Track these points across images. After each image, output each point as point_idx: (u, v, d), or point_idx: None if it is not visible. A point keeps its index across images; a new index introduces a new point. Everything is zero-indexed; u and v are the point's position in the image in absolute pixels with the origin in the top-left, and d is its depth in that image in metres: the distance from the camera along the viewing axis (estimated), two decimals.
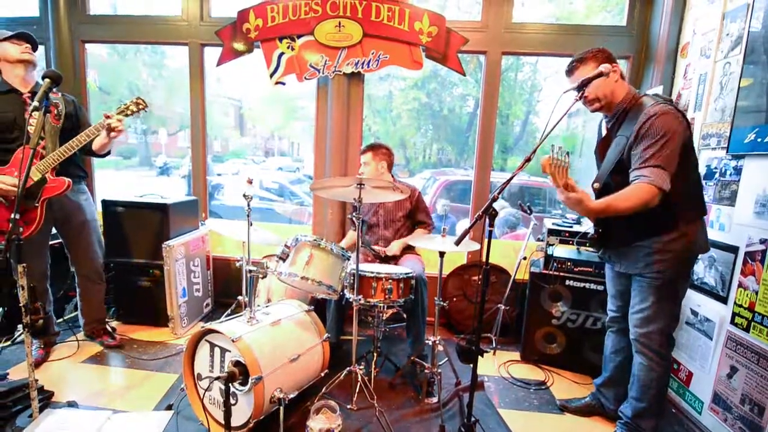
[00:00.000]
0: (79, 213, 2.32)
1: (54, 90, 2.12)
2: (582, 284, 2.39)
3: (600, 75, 1.58)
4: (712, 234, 1.96)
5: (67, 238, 2.37)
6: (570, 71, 1.72)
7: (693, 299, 2.07)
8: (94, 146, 2.15)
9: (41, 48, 3.15)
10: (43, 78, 1.78)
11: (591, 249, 2.41)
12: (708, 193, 2.01)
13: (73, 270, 2.82)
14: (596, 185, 1.73)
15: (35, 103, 1.66)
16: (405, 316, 2.40)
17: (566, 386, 2.34)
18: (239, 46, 2.87)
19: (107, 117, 2.06)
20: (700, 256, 1.96)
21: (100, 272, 2.50)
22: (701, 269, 2.03)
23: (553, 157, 1.47)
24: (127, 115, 2.11)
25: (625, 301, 1.83)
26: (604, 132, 1.79)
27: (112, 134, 2.09)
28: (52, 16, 3.01)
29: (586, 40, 2.80)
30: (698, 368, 2.02)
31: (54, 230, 2.35)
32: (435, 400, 2.09)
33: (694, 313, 2.06)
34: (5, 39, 2.04)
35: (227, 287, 3.25)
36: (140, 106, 2.13)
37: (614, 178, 1.65)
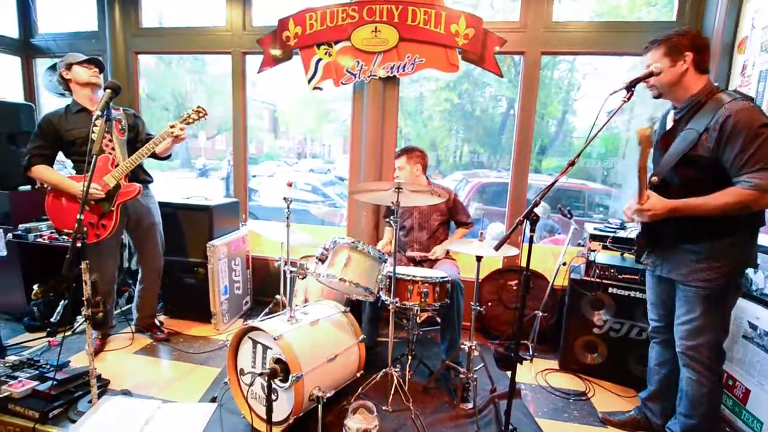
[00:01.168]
0: (149, 216, 2.51)
1: (116, 106, 2.36)
2: (627, 292, 2.29)
3: (651, 75, 1.52)
4: None
5: (136, 240, 2.56)
6: (644, 52, 1.62)
7: (751, 311, 1.94)
8: (157, 150, 2.31)
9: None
10: (104, 89, 1.92)
11: (632, 254, 2.30)
12: None
13: (127, 267, 3.03)
14: (655, 179, 1.61)
15: (98, 112, 1.80)
16: (439, 320, 2.39)
17: (608, 398, 2.25)
18: (279, 53, 2.96)
19: (172, 126, 2.23)
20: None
21: (161, 271, 2.68)
22: (761, 279, 1.90)
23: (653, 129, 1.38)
24: (188, 123, 2.27)
25: (668, 310, 1.74)
26: (670, 124, 1.67)
27: (176, 141, 2.28)
28: (108, 30, 3.24)
29: (633, 36, 2.69)
30: (757, 386, 1.88)
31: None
32: (470, 405, 2.07)
33: (753, 327, 1.93)
34: (77, 63, 2.23)
35: (265, 286, 3.36)
36: (200, 114, 2.29)
37: (679, 172, 1.54)
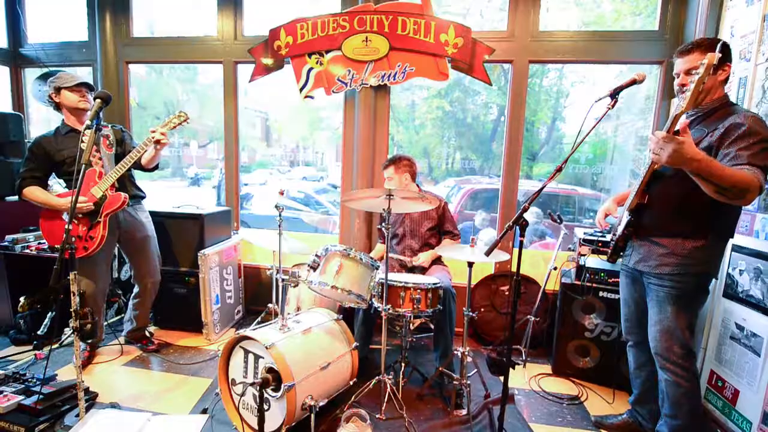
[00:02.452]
0: (142, 229, 2.49)
1: (104, 123, 2.36)
2: (616, 296, 2.31)
3: (634, 83, 1.56)
4: (758, 244, 1.88)
5: (130, 254, 2.53)
6: (685, 52, 1.60)
7: (738, 313, 1.97)
8: (143, 161, 2.30)
9: (89, 69, 3.41)
10: (94, 99, 1.92)
11: (604, 257, 2.27)
12: (752, 203, 1.92)
13: (116, 278, 2.99)
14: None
15: (87, 122, 1.79)
16: (432, 326, 2.39)
17: (601, 402, 2.26)
18: (270, 62, 2.98)
19: (153, 131, 2.20)
20: (731, 271, 1.91)
21: (158, 285, 2.63)
22: (746, 281, 1.93)
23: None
24: (170, 128, 2.24)
25: (638, 308, 1.82)
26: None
27: (158, 147, 2.23)
28: (99, 39, 3.24)
29: (617, 45, 2.76)
30: (745, 386, 1.91)
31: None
32: (464, 412, 2.06)
33: (740, 328, 1.96)
34: (66, 88, 2.22)
35: (257, 295, 3.34)
36: (182, 119, 2.27)
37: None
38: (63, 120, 2.31)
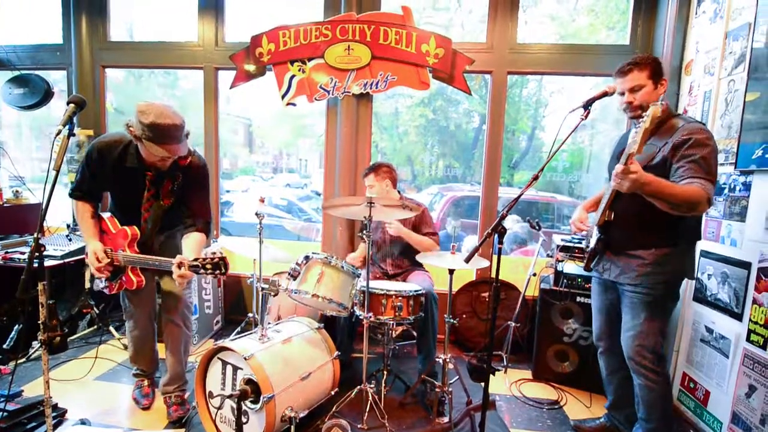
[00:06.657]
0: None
1: (186, 154, 1.79)
2: None
3: (605, 95, 1.62)
4: (724, 250, 1.96)
5: (164, 281, 2.08)
6: (624, 72, 1.67)
7: (707, 316, 2.05)
8: None
9: (63, 72, 3.32)
10: (67, 103, 1.85)
11: (581, 263, 2.32)
12: (718, 209, 2.01)
13: (89, 288, 2.87)
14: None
15: (59, 127, 1.73)
16: (415, 333, 2.39)
17: (580, 406, 2.30)
18: (252, 69, 2.97)
19: (180, 265, 1.66)
20: (704, 274, 1.96)
21: (184, 329, 2.07)
22: (714, 285, 2.01)
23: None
24: (197, 272, 1.67)
25: (611, 316, 1.87)
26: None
27: (179, 279, 1.70)
28: (74, 42, 3.16)
29: (590, 58, 2.86)
30: (715, 387, 1.98)
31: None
32: (446, 419, 2.06)
33: (709, 330, 2.03)
34: (149, 140, 1.66)
35: (237, 304, 3.28)
36: (217, 272, 1.65)
37: None
38: (136, 152, 1.80)
